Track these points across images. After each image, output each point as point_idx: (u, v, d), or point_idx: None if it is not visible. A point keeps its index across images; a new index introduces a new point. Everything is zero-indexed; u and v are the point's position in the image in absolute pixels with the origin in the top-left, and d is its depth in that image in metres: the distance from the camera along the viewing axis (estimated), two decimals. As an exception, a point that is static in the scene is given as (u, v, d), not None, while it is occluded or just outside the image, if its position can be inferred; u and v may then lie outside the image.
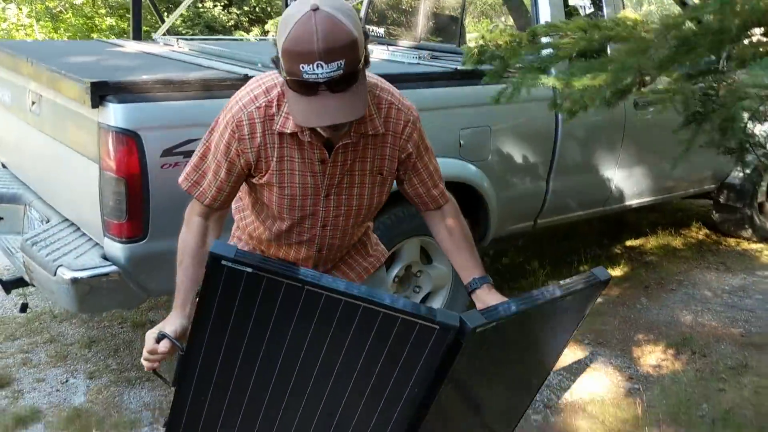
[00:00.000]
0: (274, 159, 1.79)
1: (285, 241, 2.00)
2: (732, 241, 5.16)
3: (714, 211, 5.13)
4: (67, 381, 3.23)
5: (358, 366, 1.70)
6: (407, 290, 3.42)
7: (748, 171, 4.71)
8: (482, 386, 1.92)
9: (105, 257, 2.60)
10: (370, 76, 1.75)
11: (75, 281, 2.51)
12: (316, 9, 1.51)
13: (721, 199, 4.92)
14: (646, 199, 4.38)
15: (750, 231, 5.07)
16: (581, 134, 3.79)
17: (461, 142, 3.27)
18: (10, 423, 2.88)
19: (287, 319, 1.64)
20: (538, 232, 4.99)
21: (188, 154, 2.51)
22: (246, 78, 2.73)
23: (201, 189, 1.85)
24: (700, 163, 4.60)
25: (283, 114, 1.75)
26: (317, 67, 1.52)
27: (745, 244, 5.10)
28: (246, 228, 2.06)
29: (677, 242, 5.11)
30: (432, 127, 3.19)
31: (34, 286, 2.96)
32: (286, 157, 1.79)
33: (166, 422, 1.80)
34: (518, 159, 3.56)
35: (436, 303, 3.46)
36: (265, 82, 1.78)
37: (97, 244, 2.72)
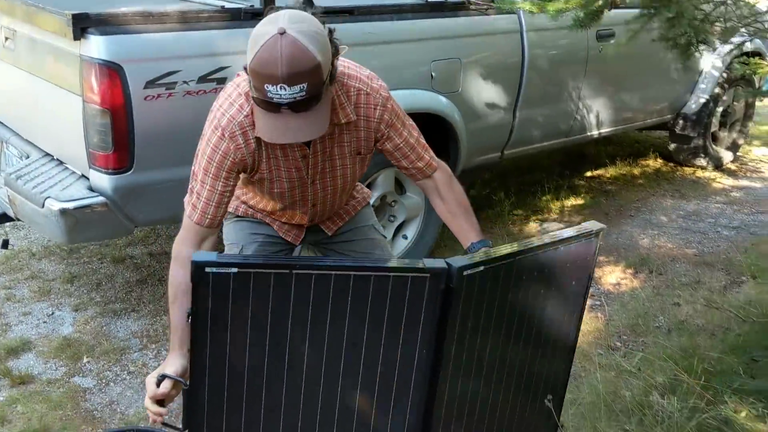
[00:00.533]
0: (263, 159, 1.88)
1: (279, 212, 2.15)
2: (687, 170, 5.40)
3: (670, 141, 5.34)
4: (53, 314, 3.31)
5: (365, 339, 1.73)
6: (383, 219, 3.55)
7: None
8: (497, 351, 1.92)
9: (91, 189, 2.67)
10: (339, 63, 1.80)
11: (63, 212, 2.58)
12: (283, 33, 1.56)
13: (677, 129, 5.11)
14: (607, 129, 4.54)
15: (704, 160, 5.30)
16: (546, 66, 3.91)
17: (433, 74, 3.36)
18: (1, 353, 2.97)
19: (284, 310, 1.66)
20: (503, 166, 5.15)
21: (170, 85, 2.59)
22: (223, 10, 2.79)
23: (199, 211, 1.85)
24: (658, 95, 4.78)
25: None
26: (280, 89, 1.58)
27: (699, 173, 5.34)
28: (240, 197, 2.17)
29: (635, 172, 5.33)
30: (405, 59, 3.33)
31: (18, 220, 3.01)
32: (272, 156, 1.88)
33: None
34: (487, 91, 3.67)
35: (410, 231, 3.61)
36: (243, 87, 1.82)
37: (81, 176, 2.77)
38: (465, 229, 2.04)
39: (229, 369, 1.68)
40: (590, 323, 3.20)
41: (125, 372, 2.88)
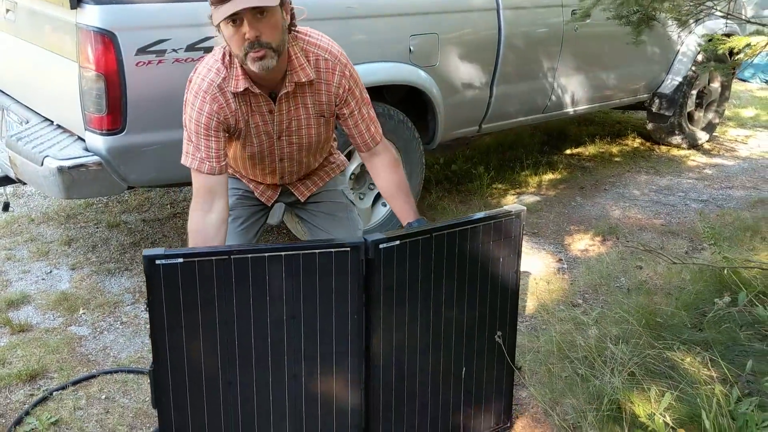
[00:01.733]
0: (240, 118, 2.14)
1: (251, 170, 2.40)
2: (663, 148, 5.60)
3: (647, 121, 5.53)
4: (51, 272, 3.51)
5: (302, 313, 1.96)
6: (363, 187, 3.74)
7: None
8: (428, 311, 2.15)
9: (87, 149, 2.86)
10: (298, 30, 2.07)
11: (61, 170, 2.77)
12: None
13: (653, 108, 5.30)
14: (583, 107, 4.73)
15: (679, 138, 5.49)
16: (522, 44, 4.09)
17: (411, 48, 3.55)
18: (2, 306, 3.17)
19: (228, 292, 1.89)
20: (485, 143, 5.35)
21: (160, 53, 2.78)
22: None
23: (206, 164, 2.12)
24: (634, 74, 4.96)
25: (233, 76, 2.07)
26: None
27: (675, 151, 5.54)
28: None
29: (613, 150, 5.53)
30: (384, 33, 3.51)
31: (19, 181, 3.20)
32: (244, 113, 2.14)
33: None
34: (464, 66, 3.86)
35: (389, 198, 3.80)
36: (215, 53, 2.11)
37: (78, 139, 2.96)
38: (403, 209, 2.28)
39: (186, 349, 1.91)
40: (555, 283, 3.41)
41: (118, 322, 3.08)
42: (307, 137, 2.27)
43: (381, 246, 1.95)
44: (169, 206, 4.27)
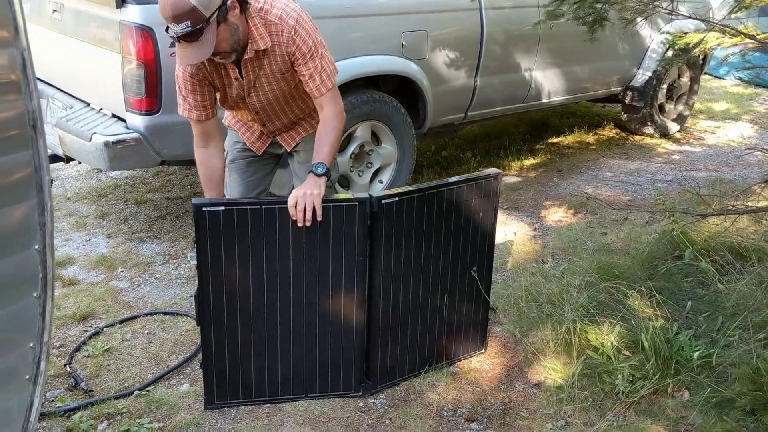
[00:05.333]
0: (215, 77, 2.60)
1: (239, 115, 2.86)
2: (637, 137, 6.10)
3: (622, 112, 6.04)
4: (89, 240, 4.01)
5: (318, 253, 2.44)
6: (362, 165, 4.24)
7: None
8: (421, 254, 2.61)
9: (127, 128, 3.36)
10: (266, 2, 2.47)
11: (107, 144, 3.28)
12: None
13: (627, 100, 5.81)
14: (560, 98, 5.23)
15: (651, 128, 6.00)
16: (503, 39, 4.60)
17: (403, 43, 4.06)
18: (51, 266, 3.66)
19: (259, 234, 2.35)
20: (472, 132, 5.86)
21: (190, 45, 3.26)
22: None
23: (187, 111, 2.60)
24: (607, 69, 5.47)
25: None
26: (173, 26, 2.29)
27: (647, 140, 6.05)
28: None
29: (590, 139, 6.03)
30: (379, 30, 4.03)
31: (66, 159, 3.70)
32: (218, 75, 2.61)
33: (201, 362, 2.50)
34: (450, 59, 4.36)
35: (386, 176, 4.30)
36: None
37: (117, 120, 3.47)
38: (317, 152, 2.58)
39: (225, 279, 2.40)
40: (528, 246, 3.91)
41: (152, 278, 3.58)
42: (272, 92, 2.67)
43: (383, 201, 2.44)
44: (189, 186, 4.77)
